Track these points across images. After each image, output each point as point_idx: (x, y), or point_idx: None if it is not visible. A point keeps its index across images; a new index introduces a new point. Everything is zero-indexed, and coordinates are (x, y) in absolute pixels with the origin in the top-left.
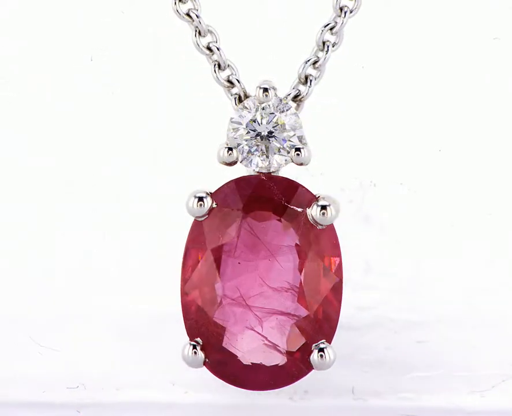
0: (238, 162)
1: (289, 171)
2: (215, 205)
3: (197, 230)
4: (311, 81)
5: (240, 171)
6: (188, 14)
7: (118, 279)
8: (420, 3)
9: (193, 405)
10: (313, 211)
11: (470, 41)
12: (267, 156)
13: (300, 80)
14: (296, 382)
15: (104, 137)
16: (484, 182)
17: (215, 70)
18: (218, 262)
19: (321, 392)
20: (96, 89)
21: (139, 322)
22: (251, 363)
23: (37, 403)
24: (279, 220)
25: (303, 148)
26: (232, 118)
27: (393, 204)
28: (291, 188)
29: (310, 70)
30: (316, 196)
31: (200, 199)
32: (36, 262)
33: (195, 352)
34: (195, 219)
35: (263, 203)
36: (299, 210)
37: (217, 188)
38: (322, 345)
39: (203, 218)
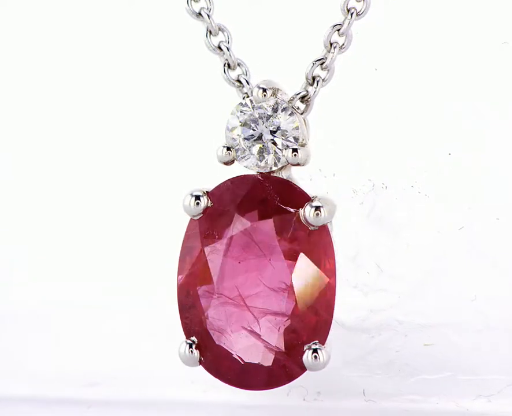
0: (236, 162)
1: (300, 172)
2: (211, 205)
3: (193, 229)
4: (318, 82)
5: (242, 170)
6: (199, 13)
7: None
8: (431, 7)
9: (212, 404)
10: (306, 212)
11: (481, 43)
12: (264, 157)
13: (307, 80)
14: (291, 382)
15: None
16: (493, 187)
17: (224, 70)
18: (212, 261)
19: (333, 393)
20: (95, 89)
21: (157, 319)
22: (245, 362)
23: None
24: (272, 220)
25: (299, 148)
26: (229, 118)
27: (404, 207)
28: (286, 188)
29: (318, 71)
30: (312, 197)
31: (197, 197)
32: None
33: (191, 351)
34: (191, 218)
35: (257, 203)
36: (292, 210)
37: (214, 187)
38: (314, 346)
39: (198, 217)
